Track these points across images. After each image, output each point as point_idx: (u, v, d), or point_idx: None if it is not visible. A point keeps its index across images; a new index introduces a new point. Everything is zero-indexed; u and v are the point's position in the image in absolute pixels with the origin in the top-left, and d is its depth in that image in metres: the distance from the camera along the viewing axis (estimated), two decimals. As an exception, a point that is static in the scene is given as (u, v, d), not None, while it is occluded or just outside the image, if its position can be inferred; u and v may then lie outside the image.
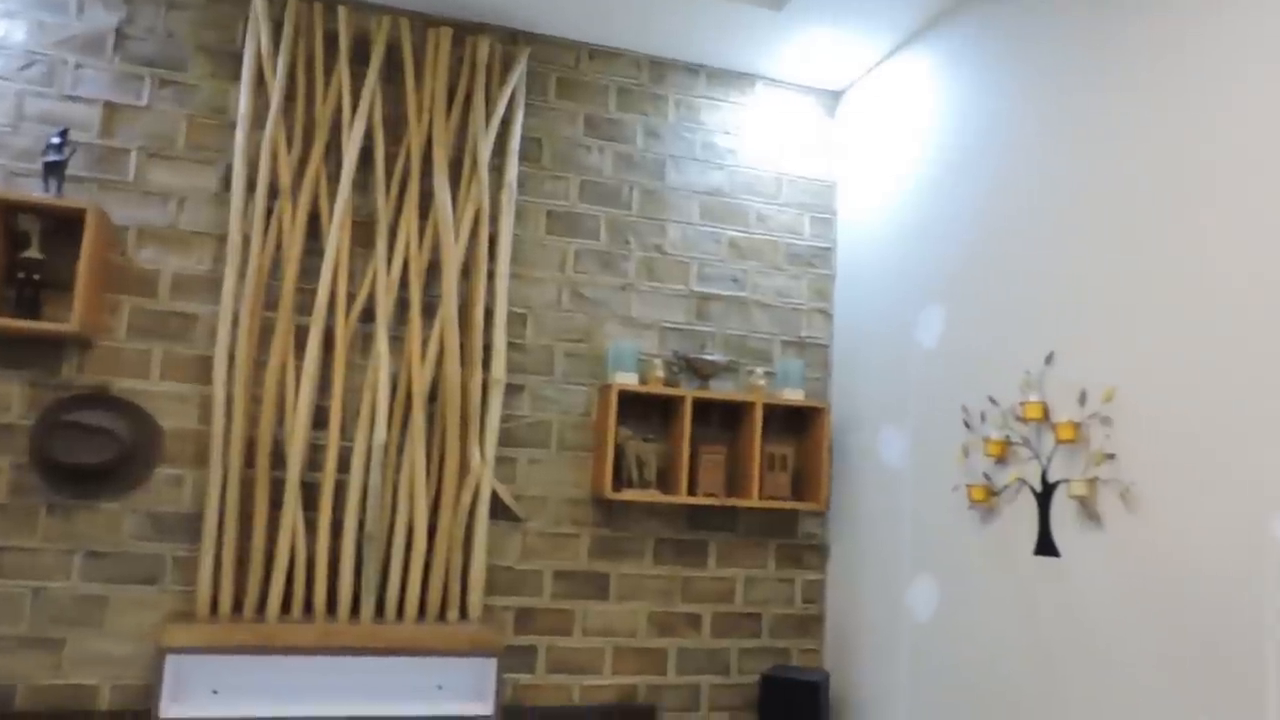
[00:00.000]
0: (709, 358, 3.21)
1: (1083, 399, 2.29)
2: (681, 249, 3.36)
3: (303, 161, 2.96)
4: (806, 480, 3.30)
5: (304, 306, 2.93)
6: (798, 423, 3.37)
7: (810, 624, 3.36)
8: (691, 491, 3.14)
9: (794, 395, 3.26)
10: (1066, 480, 2.32)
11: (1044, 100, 2.55)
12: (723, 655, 3.23)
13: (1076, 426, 2.29)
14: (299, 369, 2.86)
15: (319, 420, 2.90)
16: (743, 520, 3.31)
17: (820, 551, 3.40)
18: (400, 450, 2.94)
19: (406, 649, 2.75)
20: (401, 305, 3.02)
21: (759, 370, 3.29)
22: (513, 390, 3.12)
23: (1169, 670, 2.01)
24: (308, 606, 2.83)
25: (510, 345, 3.13)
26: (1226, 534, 1.90)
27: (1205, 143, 2.05)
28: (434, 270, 3.06)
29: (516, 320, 3.16)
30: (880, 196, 3.29)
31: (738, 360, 3.35)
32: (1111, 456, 2.19)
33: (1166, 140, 2.15)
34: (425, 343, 2.99)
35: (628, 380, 3.08)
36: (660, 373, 3.15)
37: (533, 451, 3.12)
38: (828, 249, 3.55)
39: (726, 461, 3.22)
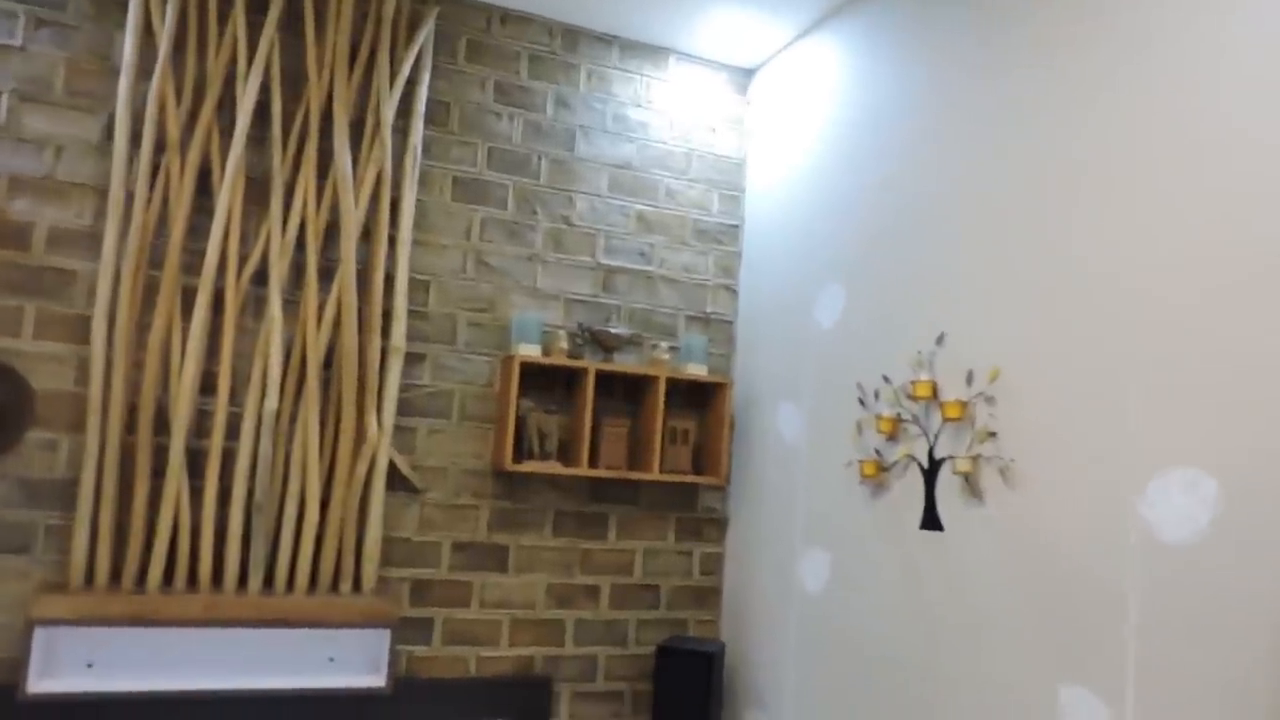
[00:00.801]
0: (614, 331, 3.21)
1: (969, 379, 2.37)
2: (589, 221, 3.34)
3: (193, 115, 2.82)
4: (707, 455, 3.34)
5: (192, 266, 2.80)
6: (700, 398, 3.40)
7: (708, 595, 3.41)
8: (593, 464, 3.15)
9: (697, 370, 3.29)
10: (952, 457, 2.40)
11: (941, 89, 2.61)
12: (621, 626, 3.26)
13: (963, 405, 2.37)
14: (185, 331, 2.75)
15: (206, 385, 2.79)
16: (644, 493, 3.33)
17: (719, 525, 3.45)
18: (293, 418, 2.85)
19: (295, 621, 2.69)
20: (297, 268, 2.92)
21: (663, 345, 3.30)
22: (413, 359, 3.06)
23: (1039, 634, 2.11)
24: (192, 578, 2.73)
25: (411, 313, 3.06)
26: (1093, 509, 2.00)
27: (1083, 137, 2.13)
28: (332, 233, 2.96)
29: (418, 287, 3.09)
30: (787, 176, 3.33)
31: (642, 334, 3.36)
32: (994, 434, 2.28)
33: (1050, 132, 2.22)
34: (321, 308, 2.90)
35: (531, 351, 3.06)
36: (564, 345, 3.13)
37: (433, 422, 3.07)
38: (735, 226, 3.58)
39: (629, 435, 3.23)
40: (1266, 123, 1.75)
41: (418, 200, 3.09)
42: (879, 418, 2.63)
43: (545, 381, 3.19)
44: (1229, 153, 1.81)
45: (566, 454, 3.16)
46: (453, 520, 3.07)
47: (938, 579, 2.42)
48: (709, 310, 3.50)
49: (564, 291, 3.28)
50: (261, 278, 2.87)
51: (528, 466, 3.02)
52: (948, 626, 2.37)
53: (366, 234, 3.00)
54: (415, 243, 3.09)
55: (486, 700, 3.02)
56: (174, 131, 2.74)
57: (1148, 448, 1.90)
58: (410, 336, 3.05)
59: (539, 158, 3.29)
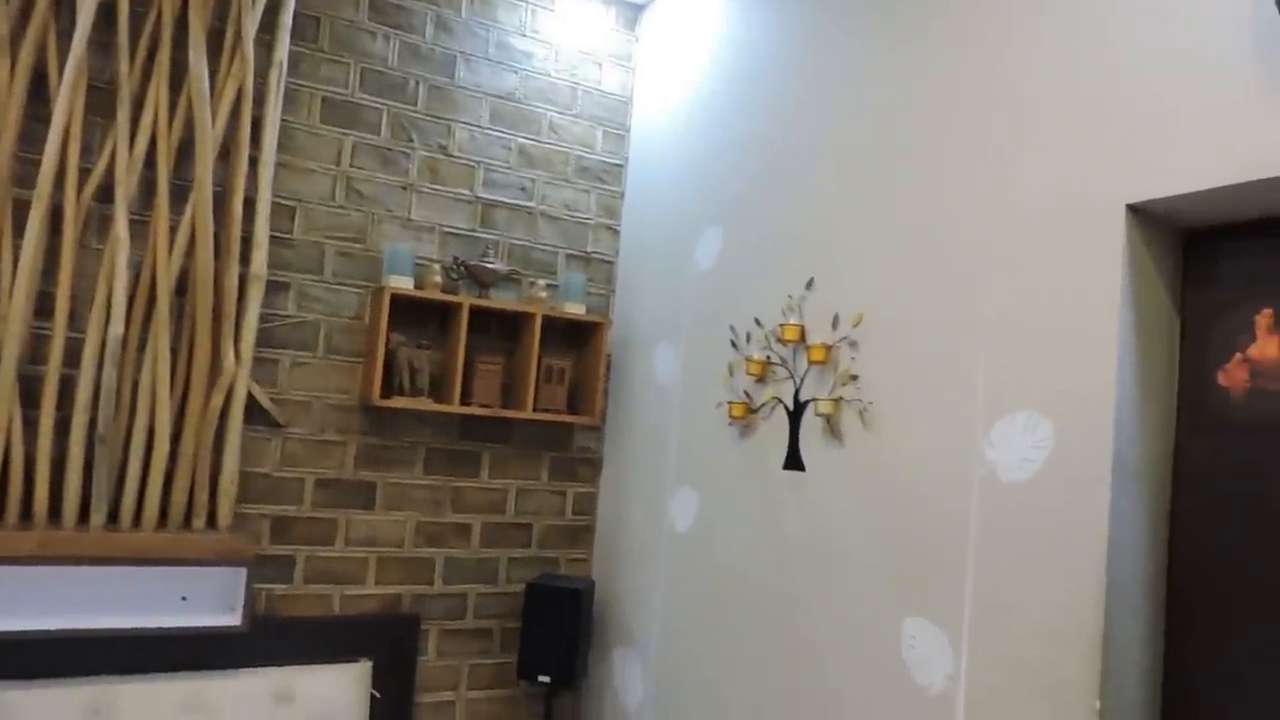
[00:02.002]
0: (490, 266, 3.14)
1: (835, 323, 2.42)
2: (468, 152, 3.23)
3: (25, 12, 2.57)
4: (583, 394, 3.32)
5: (25, 179, 2.57)
6: (577, 337, 3.37)
7: (580, 534, 3.43)
8: (465, 401, 3.08)
9: (575, 309, 3.25)
10: (815, 399, 2.45)
11: (820, 40, 2.61)
12: (491, 565, 3.25)
13: (827, 349, 2.41)
14: (17, 248, 2.53)
15: (42, 308, 2.59)
16: (517, 432, 3.30)
17: (593, 464, 3.46)
18: (141, 346, 2.69)
19: (143, 558, 2.56)
20: (147, 186, 2.72)
21: (541, 282, 3.25)
22: (276, 288, 2.91)
23: (888, 569, 2.19)
24: (25, 512, 2.56)
25: (274, 239, 2.91)
26: (943, 451, 2.08)
27: (945, 95, 2.17)
28: (187, 151, 2.77)
29: (282, 213, 2.93)
30: (673, 116, 3.29)
31: (520, 271, 3.29)
32: (855, 378, 2.34)
33: (917, 89, 2.25)
34: (174, 230, 2.72)
35: (403, 284, 2.96)
36: (438, 278, 3.04)
37: (297, 354, 2.95)
38: (619, 165, 3.53)
39: (503, 372, 3.18)
40: (1105, 88, 1.81)
41: (283, 120, 2.92)
42: (749, 360, 2.67)
43: (417, 316, 3.10)
44: (1070, 116, 1.87)
45: (438, 390, 3.09)
46: (317, 456, 2.97)
47: (798, 517, 2.48)
48: (589, 249, 3.46)
49: (440, 224, 3.18)
50: (107, 194, 2.66)
51: (397, 402, 2.94)
52: (806, 563, 2.44)
53: (226, 154, 2.81)
54: (279, 165, 2.92)
55: (351, 639, 2.97)
56: (2, 27, 2.49)
57: (994, 392, 1.98)
58: (273, 264, 2.90)
59: (416, 83, 3.15)
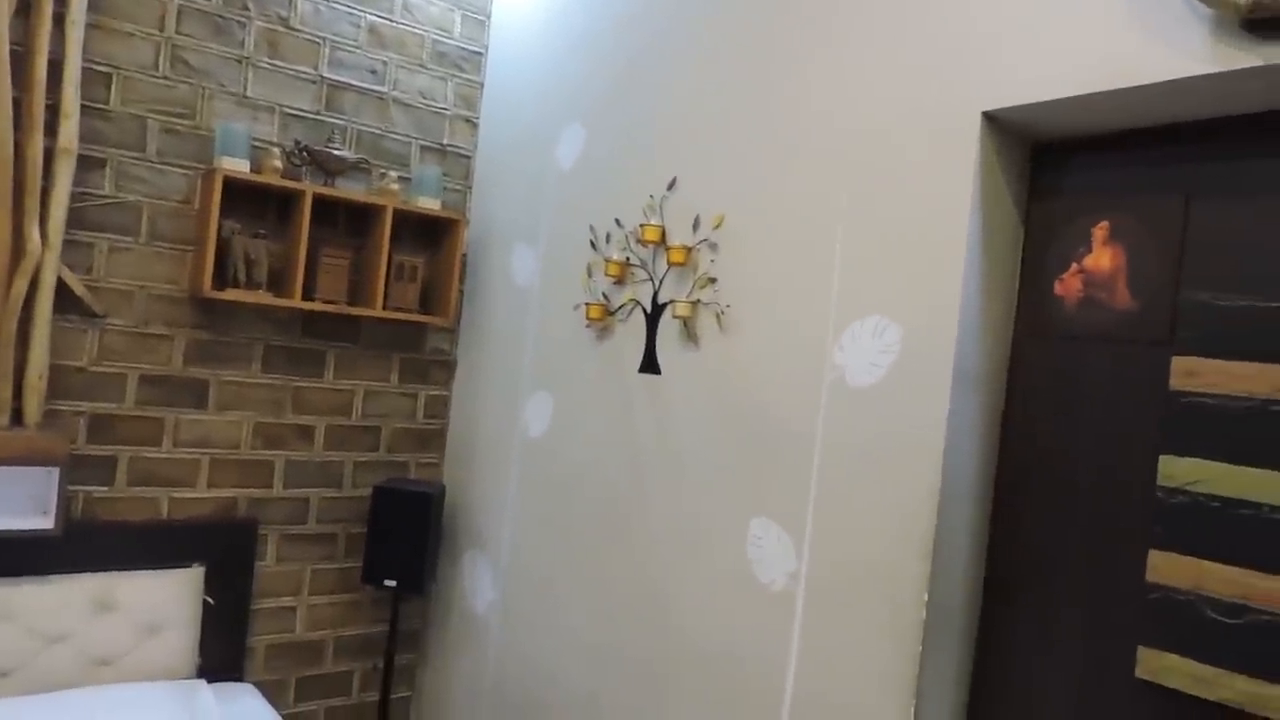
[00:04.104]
0: (337, 152, 2.92)
1: (696, 224, 2.38)
2: (312, 27, 2.97)
3: None
4: (437, 294, 3.19)
5: None
6: (432, 233, 3.21)
7: (432, 438, 3.34)
8: (308, 297, 2.89)
9: (430, 204, 3.09)
10: (673, 302, 2.42)
11: (698, -81, 2.50)
12: (336, 468, 3.12)
13: (687, 251, 2.38)
14: None
15: None
16: (366, 331, 3.14)
17: (446, 367, 3.35)
18: (-75, 221, 2.37)
19: (-67, 457, 2.31)
20: (-74, 37, 2.37)
21: (393, 174, 3.06)
22: (90, 164, 2.62)
23: (737, 471, 2.22)
24: None
25: (87, 110, 2.59)
26: (795, 355, 2.10)
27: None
28: (-25, -2, 2.41)
29: (96, 81, 2.62)
30: (534, 5, 3.11)
31: (370, 160, 3.09)
32: (714, 281, 2.31)
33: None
34: (-38, 90, 2.39)
35: (238, 167, 2.72)
36: (278, 163, 2.81)
37: (115, 239, 2.68)
38: (479, 53, 3.33)
39: (350, 268, 3.00)
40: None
41: (94, -28, 2.58)
42: (608, 261, 2.60)
43: (255, 203, 2.86)
44: (928, 20, 1.86)
45: (278, 284, 2.88)
46: (140, 351, 2.73)
47: (653, 420, 2.47)
48: (446, 142, 3.28)
49: (280, 104, 2.92)
50: (-126, 43, 2.30)
51: (232, 295, 2.73)
52: (657, 465, 2.44)
53: (25, 9, 2.47)
54: (91, 26, 2.59)
55: (181, 544, 2.80)
56: None
57: (846, 296, 2.00)
58: (86, 138, 2.60)
59: (253, -57, 2.84)
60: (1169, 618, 1.58)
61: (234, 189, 2.76)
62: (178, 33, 2.73)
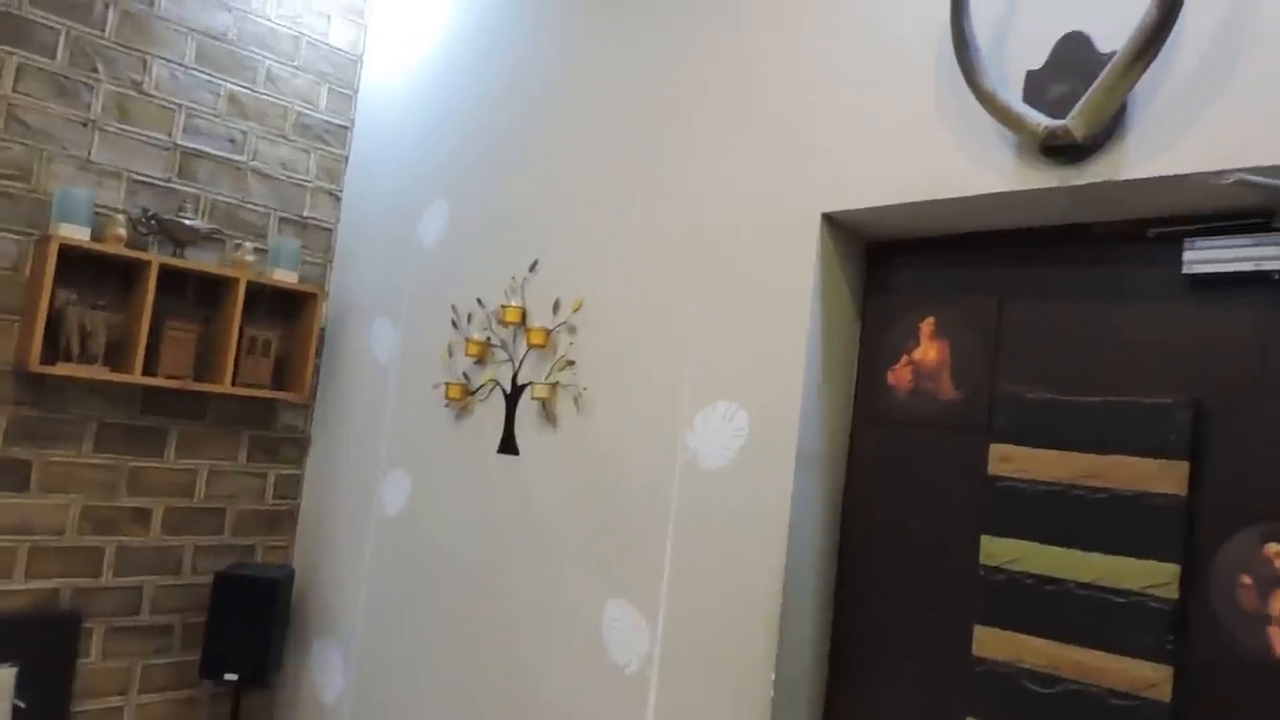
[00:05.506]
0: (188, 222, 2.83)
1: (556, 307, 2.42)
2: (167, 92, 2.89)
3: None
4: (291, 369, 3.10)
5: None
6: (288, 307, 3.13)
7: (282, 520, 3.20)
8: (150, 371, 2.76)
9: (286, 276, 3.02)
10: (532, 383, 2.44)
11: (555, 16, 2.60)
12: (174, 554, 2.94)
13: (547, 333, 2.41)
14: None
15: None
16: (213, 407, 3.01)
17: (300, 444, 3.24)
18: None
19: None
20: None
21: (249, 245, 2.98)
22: (-94, 227, 2.45)
23: (594, 552, 2.23)
24: None
25: (-94, 169, 2.44)
26: (649, 438, 2.14)
27: (676, 92, 2.24)
28: None
29: (-81, 138, 2.47)
30: (404, 82, 3.14)
31: (224, 231, 3.00)
32: (572, 363, 2.35)
33: (650, 80, 2.31)
34: None
35: (76, 234, 2.59)
36: (123, 231, 2.70)
37: (-68, 307, 2.50)
38: (344, 127, 3.32)
39: (199, 341, 2.89)
40: (814, 99, 1.95)
41: (-76, 27, 2.45)
42: (469, 340, 2.61)
43: (95, 273, 2.72)
44: (776, 125, 1.99)
45: (118, 358, 2.74)
46: (-46, 428, 2.53)
47: (511, 501, 2.46)
48: (306, 214, 3.23)
49: (128, 170, 2.82)
50: None
51: (63, 369, 2.58)
52: (515, 547, 2.42)
53: None
54: (-83, 81, 2.46)
55: (-8, 639, 2.56)
56: None
57: (698, 383, 2.07)
58: (-96, 198, 2.43)
59: (106, 5, 2.76)
60: (993, 690, 1.67)
61: (71, 257, 2.63)
62: (15, 91, 2.61)
